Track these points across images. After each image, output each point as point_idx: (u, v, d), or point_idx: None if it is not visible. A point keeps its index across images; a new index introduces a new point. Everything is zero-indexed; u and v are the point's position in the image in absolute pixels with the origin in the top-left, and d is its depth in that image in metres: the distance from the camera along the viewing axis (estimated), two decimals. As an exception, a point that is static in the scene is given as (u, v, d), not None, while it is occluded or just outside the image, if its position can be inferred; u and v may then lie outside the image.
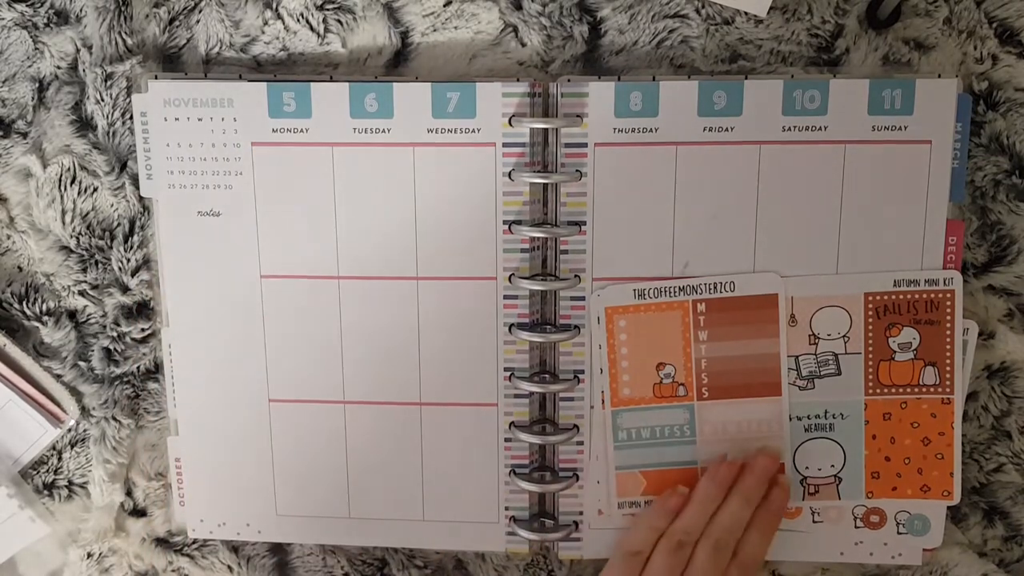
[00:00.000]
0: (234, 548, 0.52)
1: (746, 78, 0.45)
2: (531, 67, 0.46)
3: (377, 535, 0.50)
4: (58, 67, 0.47)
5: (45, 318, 0.50)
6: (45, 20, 0.47)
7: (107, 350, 0.50)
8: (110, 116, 0.47)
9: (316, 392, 0.49)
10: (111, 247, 0.49)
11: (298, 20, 0.46)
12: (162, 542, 0.52)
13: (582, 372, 0.47)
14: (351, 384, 0.48)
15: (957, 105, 0.44)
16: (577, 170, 0.45)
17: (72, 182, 0.48)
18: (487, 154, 0.45)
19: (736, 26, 0.45)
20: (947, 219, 0.45)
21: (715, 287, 0.46)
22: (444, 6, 0.46)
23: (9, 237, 0.49)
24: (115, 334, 0.50)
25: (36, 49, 0.47)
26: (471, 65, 0.46)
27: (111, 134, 0.48)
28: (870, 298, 0.45)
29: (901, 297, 0.45)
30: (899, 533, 0.48)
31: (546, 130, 0.45)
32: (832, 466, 0.47)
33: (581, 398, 0.48)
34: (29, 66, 0.47)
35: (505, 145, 0.45)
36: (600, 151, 0.45)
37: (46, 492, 0.52)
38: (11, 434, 0.50)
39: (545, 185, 0.46)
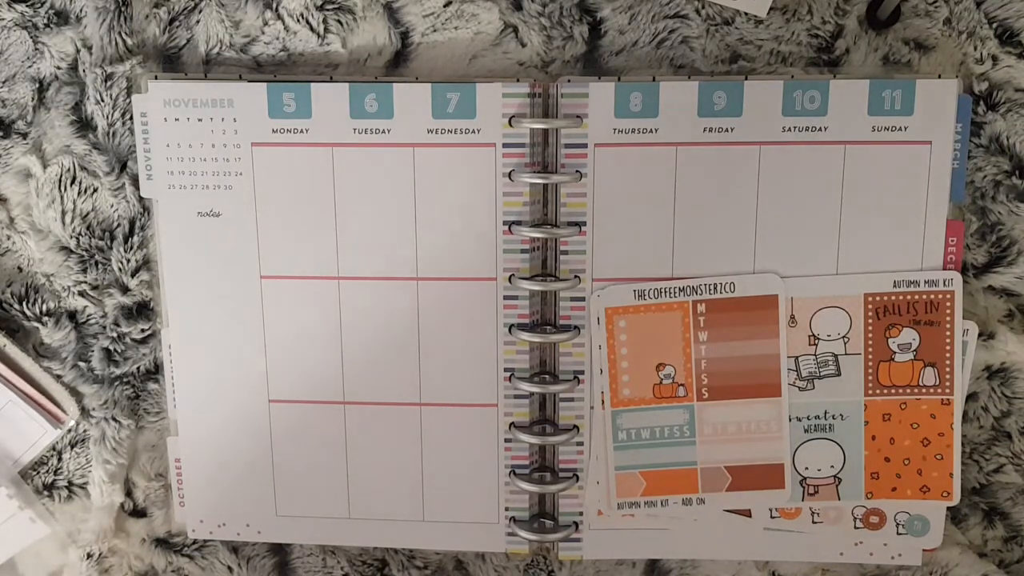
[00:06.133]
0: (234, 548, 0.52)
1: (746, 78, 0.45)
2: (531, 67, 0.46)
3: (377, 535, 0.50)
4: (58, 67, 0.47)
5: (45, 319, 0.50)
6: (45, 20, 0.47)
7: (107, 351, 0.50)
8: (110, 116, 0.47)
9: (316, 392, 0.49)
10: (111, 248, 0.49)
11: (298, 20, 0.46)
12: (162, 543, 0.52)
13: (582, 373, 0.47)
14: (351, 384, 0.48)
15: (957, 106, 0.44)
16: (577, 171, 0.45)
17: (72, 182, 0.48)
18: (487, 155, 0.45)
19: (736, 26, 0.45)
20: (947, 220, 0.45)
21: (715, 288, 0.46)
22: (444, 6, 0.46)
23: (9, 238, 0.49)
24: (115, 335, 0.50)
25: (36, 49, 0.47)
26: (471, 65, 0.46)
27: (111, 134, 0.48)
28: (870, 299, 0.45)
29: (901, 298, 0.45)
30: (899, 534, 0.48)
31: (546, 131, 0.45)
32: (832, 467, 0.47)
33: (581, 399, 0.48)
34: (29, 66, 0.47)
35: (505, 146, 0.45)
36: (600, 152, 0.45)
37: (46, 493, 0.52)
38: (11, 435, 0.50)
39: (545, 186, 0.46)
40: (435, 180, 0.46)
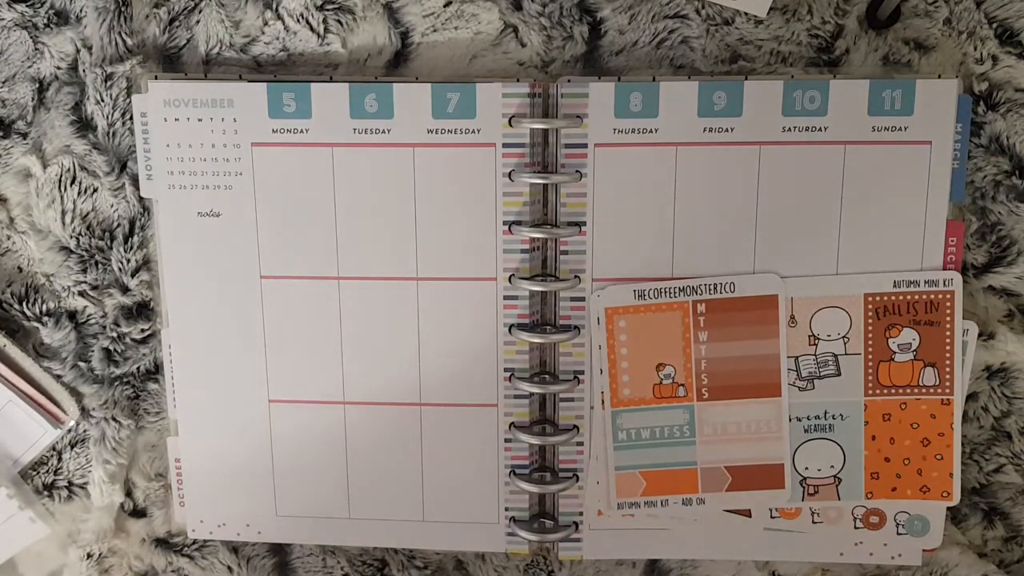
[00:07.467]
0: (234, 548, 0.52)
1: (746, 79, 0.45)
2: (531, 67, 0.46)
3: (377, 535, 0.50)
4: (58, 67, 0.47)
5: (45, 319, 0.50)
6: (45, 20, 0.47)
7: (107, 351, 0.50)
8: (110, 116, 0.47)
9: (316, 392, 0.49)
10: (111, 248, 0.49)
11: (298, 20, 0.46)
12: (162, 543, 0.52)
13: (582, 373, 0.47)
14: (351, 384, 0.48)
15: (957, 106, 0.44)
16: (577, 171, 0.45)
17: (72, 182, 0.48)
18: (487, 154, 0.45)
19: (736, 26, 0.45)
20: (947, 219, 0.45)
21: (715, 288, 0.46)
22: (444, 6, 0.46)
23: (9, 238, 0.49)
24: (115, 335, 0.50)
25: (36, 49, 0.47)
26: (471, 65, 0.46)
27: (111, 134, 0.48)
28: (870, 299, 0.45)
29: (901, 298, 0.45)
30: (899, 534, 0.48)
31: (546, 131, 0.45)
32: (832, 467, 0.47)
33: (581, 399, 0.48)
34: (29, 66, 0.47)
35: (505, 145, 0.45)
36: (600, 151, 0.45)
37: (46, 493, 0.52)
38: (11, 435, 0.50)
39: (545, 186, 0.46)
40: (435, 180, 0.46)
